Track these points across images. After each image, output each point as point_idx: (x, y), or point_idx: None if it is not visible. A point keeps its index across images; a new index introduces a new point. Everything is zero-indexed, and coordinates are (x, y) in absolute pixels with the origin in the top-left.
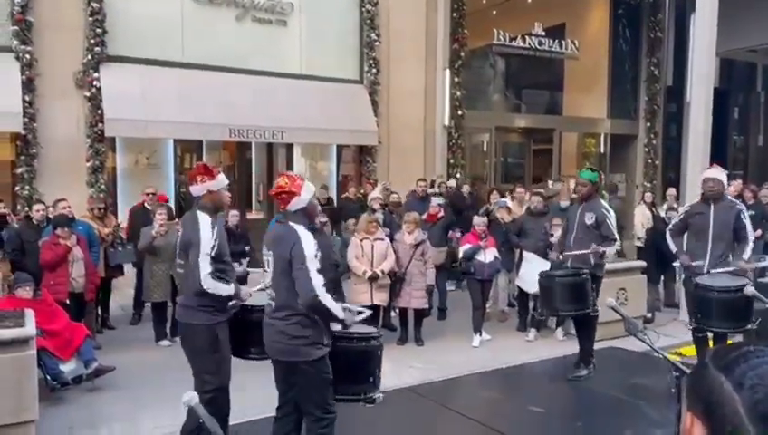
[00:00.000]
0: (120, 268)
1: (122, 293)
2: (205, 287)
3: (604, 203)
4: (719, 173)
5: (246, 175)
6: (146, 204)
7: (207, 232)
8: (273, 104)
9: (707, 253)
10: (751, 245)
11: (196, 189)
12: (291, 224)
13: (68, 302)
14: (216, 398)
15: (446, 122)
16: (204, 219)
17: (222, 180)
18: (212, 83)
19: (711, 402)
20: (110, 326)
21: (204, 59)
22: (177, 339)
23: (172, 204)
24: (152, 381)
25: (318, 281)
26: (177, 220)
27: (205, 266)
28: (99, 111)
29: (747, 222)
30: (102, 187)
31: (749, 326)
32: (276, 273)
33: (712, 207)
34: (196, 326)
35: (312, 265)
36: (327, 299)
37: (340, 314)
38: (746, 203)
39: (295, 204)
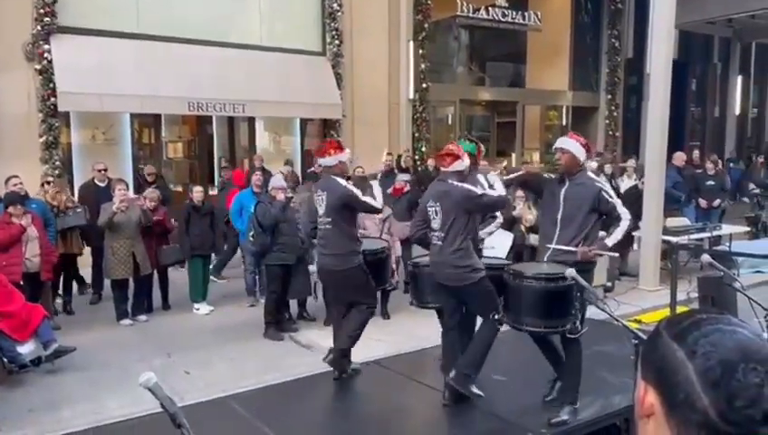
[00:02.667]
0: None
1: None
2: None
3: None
4: (569, 143)
5: (207, 150)
6: (96, 180)
7: (354, 188)
8: (233, 77)
9: (555, 237)
10: (623, 227)
11: (329, 161)
12: (450, 181)
13: (22, 283)
14: (372, 311)
15: (411, 95)
16: (344, 181)
17: (348, 154)
18: (170, 55)
19: (664, 370)
20: (69, 311)
21: (161, 30)
22: (140, 317)
23: (130, 181)
24: (114, 361)
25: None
26: (138, 196)
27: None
28: (51, 85)
29: (615, 201)
30: (57, 163)
31: (566, 326)
32: (447, 219)
33: (566, 184)
34: (355, 268)
35: (486, 193)
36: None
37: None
38: (708, 173)
39: (456, 166)
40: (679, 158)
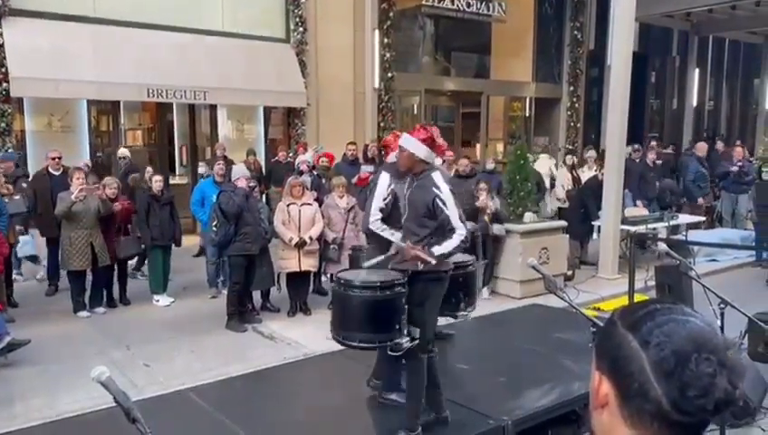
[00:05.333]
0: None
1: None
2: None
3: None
4: (406, 140)
5: (168, 138)
6: (50, 169)
7: None
8: (193, 63)
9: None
10: (455, 242)
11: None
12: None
13: None
14: None
15: (376, 84)
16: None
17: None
18: (128, 41)
19: (618, 360)
20: (13, 304)
21: (118, 14)
22: (98, 309)
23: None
24: (70, 355)
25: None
26: (97, 185)
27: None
28: (3, 69)
29: (450, 213)
30: (10, 151)
31: (388, 343)
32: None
33: (408, 183)
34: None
35: None
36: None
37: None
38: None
39: (390, 158)
40: (702, 148)
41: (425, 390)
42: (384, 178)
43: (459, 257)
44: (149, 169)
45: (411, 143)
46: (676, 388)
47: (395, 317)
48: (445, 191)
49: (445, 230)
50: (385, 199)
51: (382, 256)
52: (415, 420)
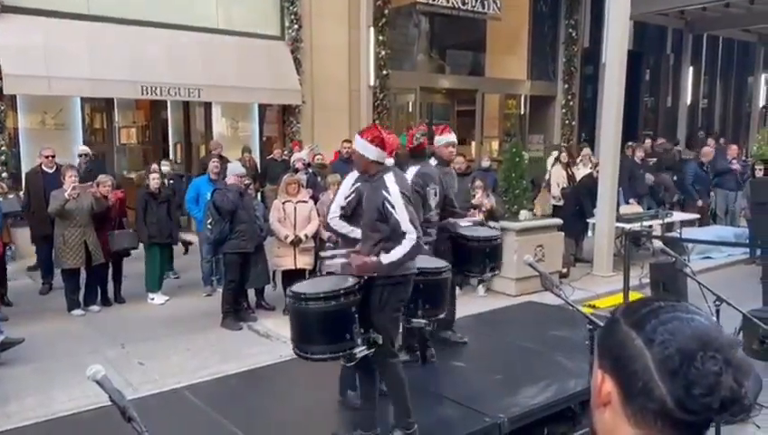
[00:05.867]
0: None
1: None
2: None
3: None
4: (356, 141)
5: (162, 135)
6: (43, 166)
7: None
8: (188, 61)
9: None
10: (405, 247)
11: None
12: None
13: None
14: None
15: (371, 82)
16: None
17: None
18: (121, 38)
19: (621, 358)
20: (7, 302)
21: (112, 11)
22: (92, 307)
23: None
24: (64, 353)
25: None
26: (90, 183)
27: None
28: None
29: (398, 216)
30: (2, 148)
31: (340, 354)
32: None
33: (368, 184)
34: None
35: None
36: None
37: None
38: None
39: None
40: (707, 153)
41: (378, 392)
42: (350, 177)
43: (485, 233)
44: (155, 166)
45: (360, 144)
46: (682, 386)
47: (345, 327)
48: (394, 194)
49: (398, 234)
50: (347, 198)
51: (340, 251)
52: (407, 420)
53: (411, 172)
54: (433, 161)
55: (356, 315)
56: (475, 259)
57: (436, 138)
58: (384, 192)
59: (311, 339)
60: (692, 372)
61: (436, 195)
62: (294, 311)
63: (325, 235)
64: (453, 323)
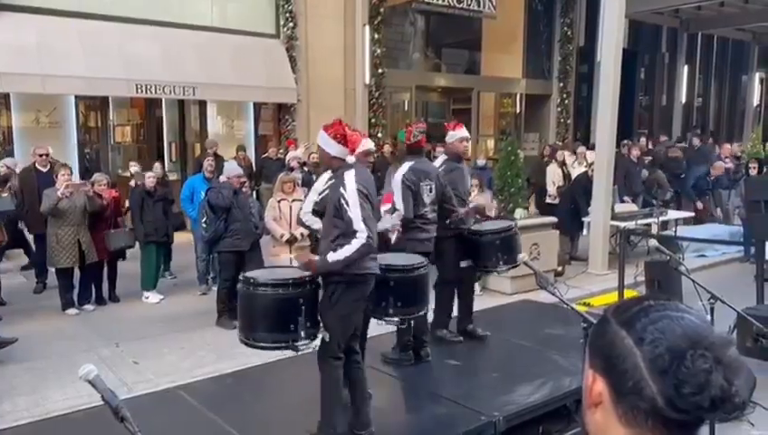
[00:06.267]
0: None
1: (21, 259)
2: None
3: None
4: (318, 135)
5: (157, 134)
6: (37, 165)
7: None
8: (183, 59)
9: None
10: (355, 246)
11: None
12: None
13: None
14: None
15: (367, 80)
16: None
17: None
18: (116, 36)
19: (612, 358)
20: (0, 301)
21: (106, 9)
22: (87, 306)
23: (76, 165)
24: (59, 352)
25: None
26: (84, 182)
27: None
28: None
29: (351, 214)
30: None
31: (282, 344)
32: None
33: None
34: None
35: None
36: None
37: None
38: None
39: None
40: (719, 169)
41: (342, 398)
42: (327, 174)
43: (495, 225)
44: (157, 164)
45: (323, 139)
46: (672, 385)
47: (290, 318)
48: (350, 191)
49: (350, 232)
50: (321, 194)
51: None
52: (328, 429)
53: (404, 167)
54: (440, 158)
55: (303, 308)
56: (486, 253)
57: (450, 133)
58: (341, 189)
59: (255, 326)
60: (682, 370)
61: (431, 191)
62: (242, 296)
63: (298, 231)
64: (471, 321)
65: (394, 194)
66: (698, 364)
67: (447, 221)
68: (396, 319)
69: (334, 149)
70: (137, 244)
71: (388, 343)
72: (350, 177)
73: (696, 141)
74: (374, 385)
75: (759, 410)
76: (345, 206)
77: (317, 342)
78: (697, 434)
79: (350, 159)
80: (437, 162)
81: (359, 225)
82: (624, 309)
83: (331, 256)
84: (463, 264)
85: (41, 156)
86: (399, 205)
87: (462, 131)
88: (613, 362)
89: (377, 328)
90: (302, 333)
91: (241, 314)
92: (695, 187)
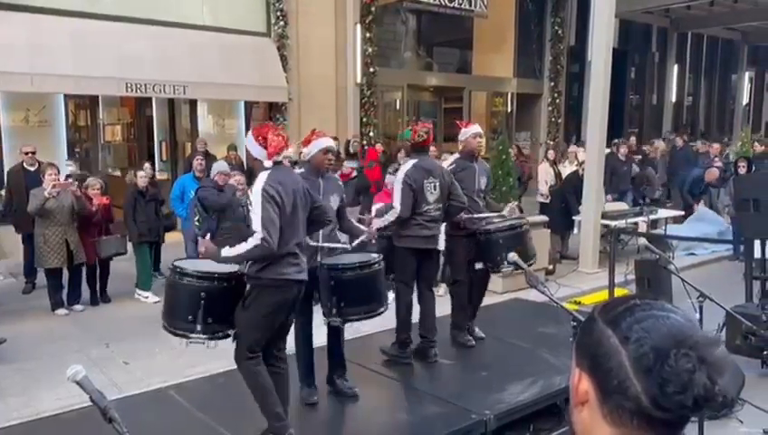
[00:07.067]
0: None
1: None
2: None
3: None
4: (247, 139)
5: (147, 133)
6: (25, 164)
7: None
8: (173, 57)
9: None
10: (247, 245)
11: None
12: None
13: None
14: None
15: (358, 79)
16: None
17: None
18: (106, 34)
19: (598, 356)
20: None
21: (96, 7)
22: (76, 307)
23: (65, 164)
24: (48, 353)
25: None
26: (71, 181)
27: None
28: None
29: (252, 214)
30: None
31: (179, 333)
32: None
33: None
34: None
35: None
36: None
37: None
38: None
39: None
40: (713, 174)
41: (273, 390)
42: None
43: (509, 221)
44: (147, 165)
45: (248, 140)
46: (656, 384)
47: (189, 309)
48: (255, 192)
49: (250, 232)
50: None
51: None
52: (274, 424)
53: (408, 165)
54: (453, 156)
55: (202, 302)
56: (489, 252)
57: (463, 130)
58: (250, 190)
59: (166, 310)
60: (666, 369)
61: (435, 189)
62: (166, 281)
63: None
64: (472, 321)
65: (393, 191)
66: (682, 364)
67: (458, 221)
68: (338, 320)
69: (254, 150)
70: (129, 245)
71: (387, 341)
72: (260, 178)
73: (679, 142)
74: (365, 384)
75: (747, 408)
76: (249, 206)
77: (227, 342)
78: (682, 433)
79: (268, 163)
80: (449, 160)
81: (256, 225)
82: (610, 308)
83: (224, 251)
84: (477, 266)
85: (26, 154)
86: (397, 203)
87: (475, 127)
88: (599, 360)
89: (373, 326)
90: (199, 327)
91: (164, 299)
92: (690, 191)
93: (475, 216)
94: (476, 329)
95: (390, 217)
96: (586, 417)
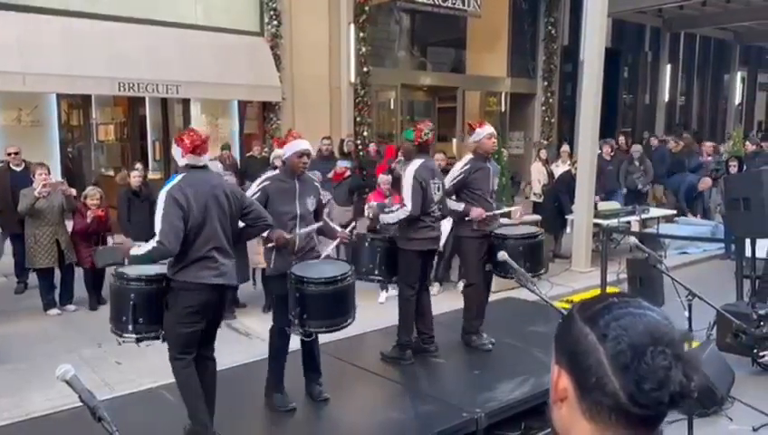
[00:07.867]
0: None
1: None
2: None
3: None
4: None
5: (140, 133)
6: (11, 164)
7: None
8: (166, 56)
9: None
10: (145, 247)
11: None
12: None
13: None
14: None
15: (352, 79)
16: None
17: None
18: (98, 33)
19: (576, 354)
20: None
21: (88, 6)
22: (68, 307)
23: (57, 164)
24: (40, 353)
25: None
26: (62, 181)
27: None
28: None
29: (155, 216)
30: None
31: (114, 332)
32: None
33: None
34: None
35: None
36: None
37: None
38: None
39: None
40: (706, 183)
41: (201, 393)
42: (264, 175)
43: (525, 229)
44: (139, 165)
45: (172, 147)
46: (633, 381)
47: (122, 309)
48: (161, 194)
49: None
50: (254, 195)
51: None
52: (195, 427)
53: (415, 164)
54: (466, 157)
55: (132, 302)
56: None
57: (477, 131)
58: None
59: (111, 312)
60: (642, 366)
61: (438, 190)
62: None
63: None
64: (480, 325)
65: (403, 190)
66: (658, 361)
67: (468, 219)
68: (300, 331)
69: (175, 153)
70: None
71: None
72: (170, 182)
73: (654, 142)
74: (357, 382)
75: (737, 405)
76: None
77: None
78: (659, 429)
79: (182, 161)
80: (463, 161)
81: (157, 228)
82: (588, 306)
83: (133, 250)
84: (488, 267)
85: (9, 154)
86: (408, 201)
87: (489, 128)
88: (578, 358)
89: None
90: (130, 327)
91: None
92: (685, 198)
93: (488, 213)
94: (484, 335)
95: (401, 214)
96: (565, 413)
